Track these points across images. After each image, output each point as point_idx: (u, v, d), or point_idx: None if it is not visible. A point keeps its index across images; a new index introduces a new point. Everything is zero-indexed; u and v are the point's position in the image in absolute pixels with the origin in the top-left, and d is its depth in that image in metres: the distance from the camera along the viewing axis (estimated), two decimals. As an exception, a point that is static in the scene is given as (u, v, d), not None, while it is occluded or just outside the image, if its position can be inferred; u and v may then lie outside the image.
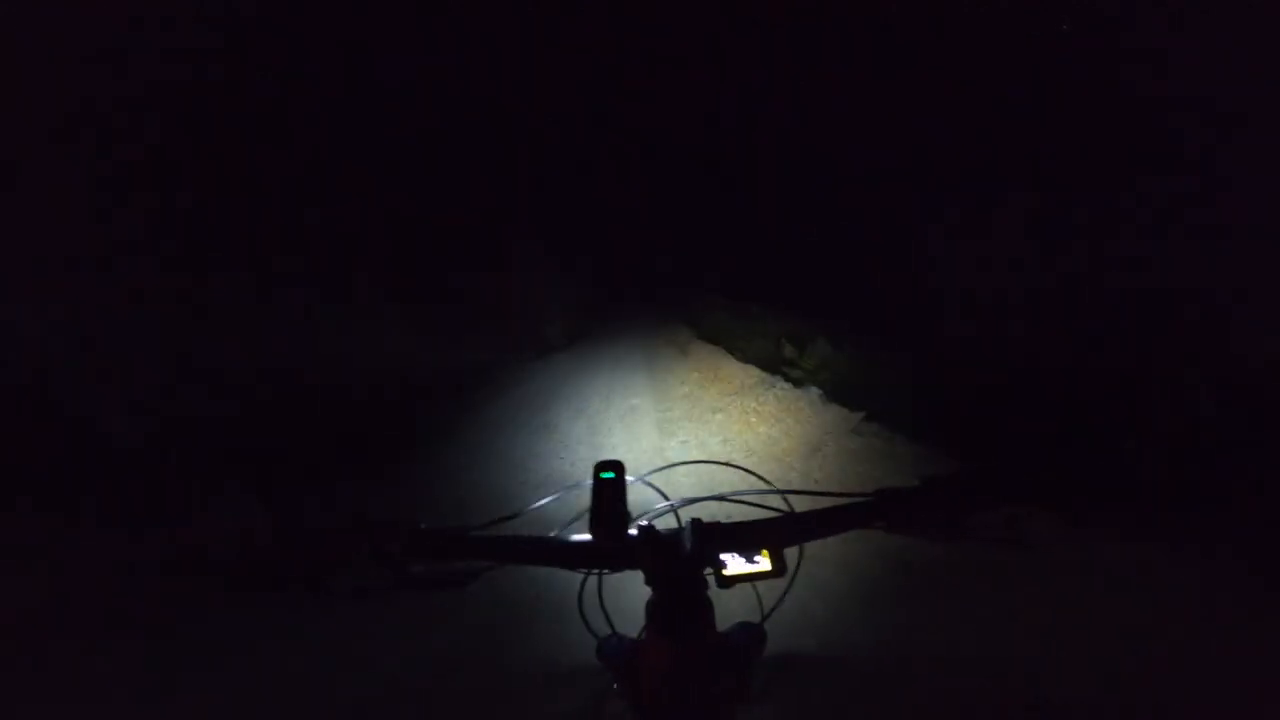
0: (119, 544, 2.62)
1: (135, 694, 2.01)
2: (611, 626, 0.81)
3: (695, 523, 0.72)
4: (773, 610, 0.84)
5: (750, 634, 0.78)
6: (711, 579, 0.72)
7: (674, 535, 0.73)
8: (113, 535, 2.68)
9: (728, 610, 0.82)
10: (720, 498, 0.87)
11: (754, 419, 4.01)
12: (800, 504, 0.79)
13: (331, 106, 5.32)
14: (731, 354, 5.14)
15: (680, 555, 0.70)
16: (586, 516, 0.72)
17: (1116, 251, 3.29)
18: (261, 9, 4.78)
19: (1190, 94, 3.15)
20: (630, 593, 0.77)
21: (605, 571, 0.80)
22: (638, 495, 0.87)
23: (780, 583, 0.75)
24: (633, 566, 0.72)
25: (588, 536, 0.71)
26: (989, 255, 3.83)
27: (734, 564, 0.71)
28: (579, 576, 0.82)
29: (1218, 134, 3.04)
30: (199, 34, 4.39)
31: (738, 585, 0.72)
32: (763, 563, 0.70)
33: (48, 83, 3.69)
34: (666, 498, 0.87)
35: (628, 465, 0.76)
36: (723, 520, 0.73)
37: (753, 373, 4.70)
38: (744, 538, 0.71)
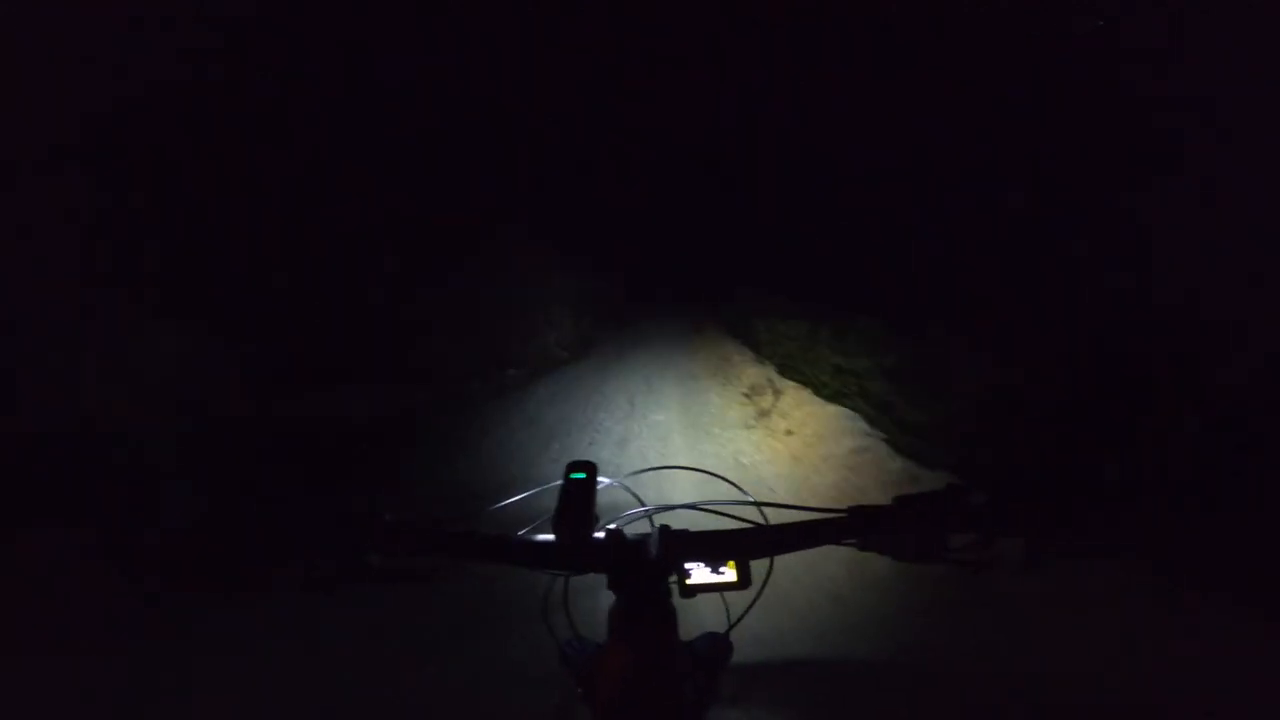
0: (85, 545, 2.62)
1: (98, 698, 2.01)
2: (575, 631, 0.80)
3: (663, 529, 0.71)
4: (738, 621, 0.83)
5: (715, 644, 0.77)
6: (675, 587, 0.71)
7: (640, 540, 0.71)
8: (80, 536, 2.68)
9: (701, 620, 0.81)
10: (694, 506, 0.85)
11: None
12: (776, 517, 0.78)
13: (332, 106, 5.32)
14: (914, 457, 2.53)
15: (645, 561, 0.69)
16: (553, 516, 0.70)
17: (1111, 261, 3.27)
18: (261, 9, 4.79)
19: (1190, 94, 3.13)
20: (602, 597, 0.76)
21: (569, 574, 0.79)
22: (616, 500, 0.86)
23: (748, 594, 0.74)
24: (597, 570, 0.70)
25: (552, 537, 0.70)
26: (986, 258, 3.80)
27: (699, 573, 0.70)
28: (545, 578, 0.81)
29: (1218, 134, 3.01)
30: (199, 34, 4.40)
31: (706, 595, 0.72)
32: (728, 574, 0.70)
33: (48, 83, 3.71)
34: (642, 502, 0.86)
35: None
36: (695, 529, 0.72)
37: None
38: (712, 547, 0.70)
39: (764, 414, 3.24)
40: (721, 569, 0.70)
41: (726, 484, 0.92)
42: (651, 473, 1.07)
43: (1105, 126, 3.63)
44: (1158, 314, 2.93)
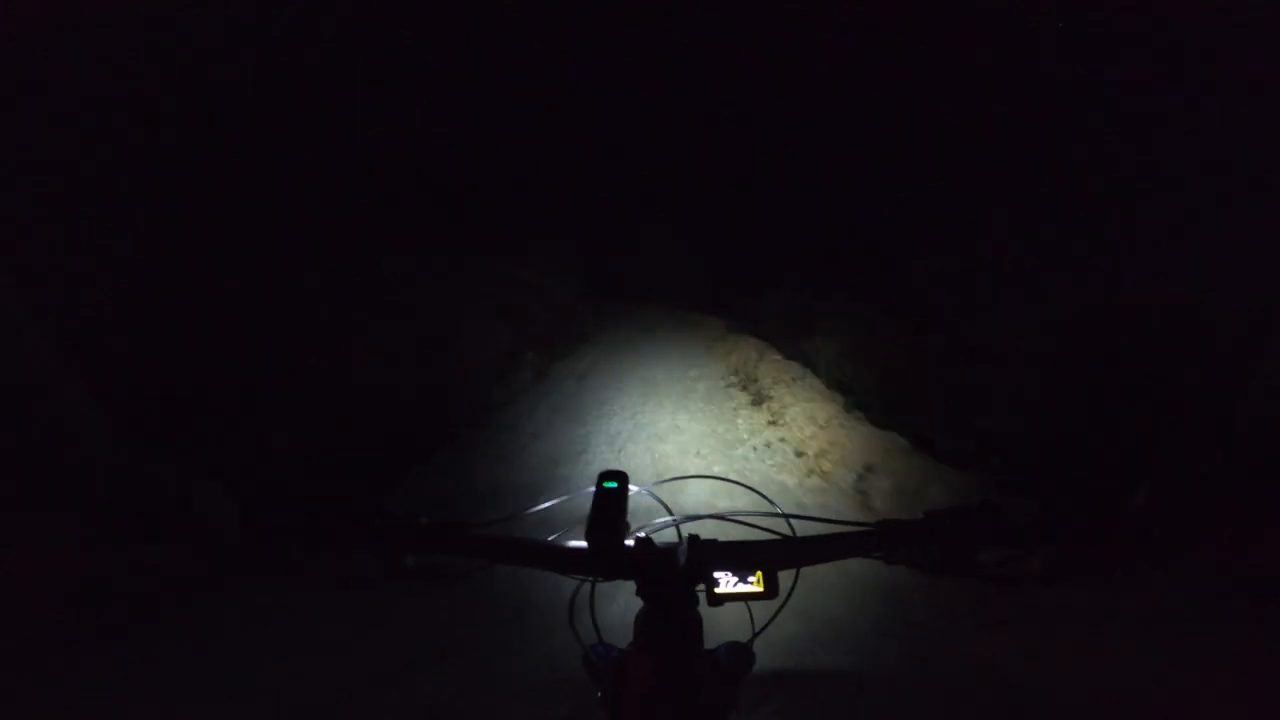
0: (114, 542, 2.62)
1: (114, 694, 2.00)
2: (599, 636, 0.81)
3: (692, 538, 0.72)
4: (761, 631, 0.84)
5: (738, 653, 0.78)
6: (703, 596, 0.72)
7: (670, 549, 0.73)
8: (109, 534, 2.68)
9: (722, 629, 0.82)
10: (723, 516, 0.86)
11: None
12: (802, 528, 0.80)
13: (330, 106, 5.30)
14: None
15: (674, 569, 0.70)
16: (584, 523, 0.72)
17: (1125, 279, 3.28)
18: (262, 9, 4.78)
19: (1192, 108, 3.16)
20: (623, 604, 0.77)
21: (598, 580, 0.80)
22: (642, 508, 0.87)
23: (772, 605, 0.75)
24: (626, 576, 0.72)
25: (584, 543, 0.71)
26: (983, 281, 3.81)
27: (726, 582, 0.71)
28: (571, 583, 0.82)
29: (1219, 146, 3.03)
30: (199, 34, 4.38)
31: (730, 606, 0.73)
32: (755, 584, 0.71)
33: (45, 82, 3.68)
34: (670, 511, 0.87)
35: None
36: (722, 539, 0.73)
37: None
38: (740, 557, 0.72)
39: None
40: (749, 579, 0.71)
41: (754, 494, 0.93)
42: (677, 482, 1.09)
43: (1103, 141, 3.66)
44: (1178, 331, 2.93)
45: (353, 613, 2.21)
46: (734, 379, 3.86)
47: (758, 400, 3.59)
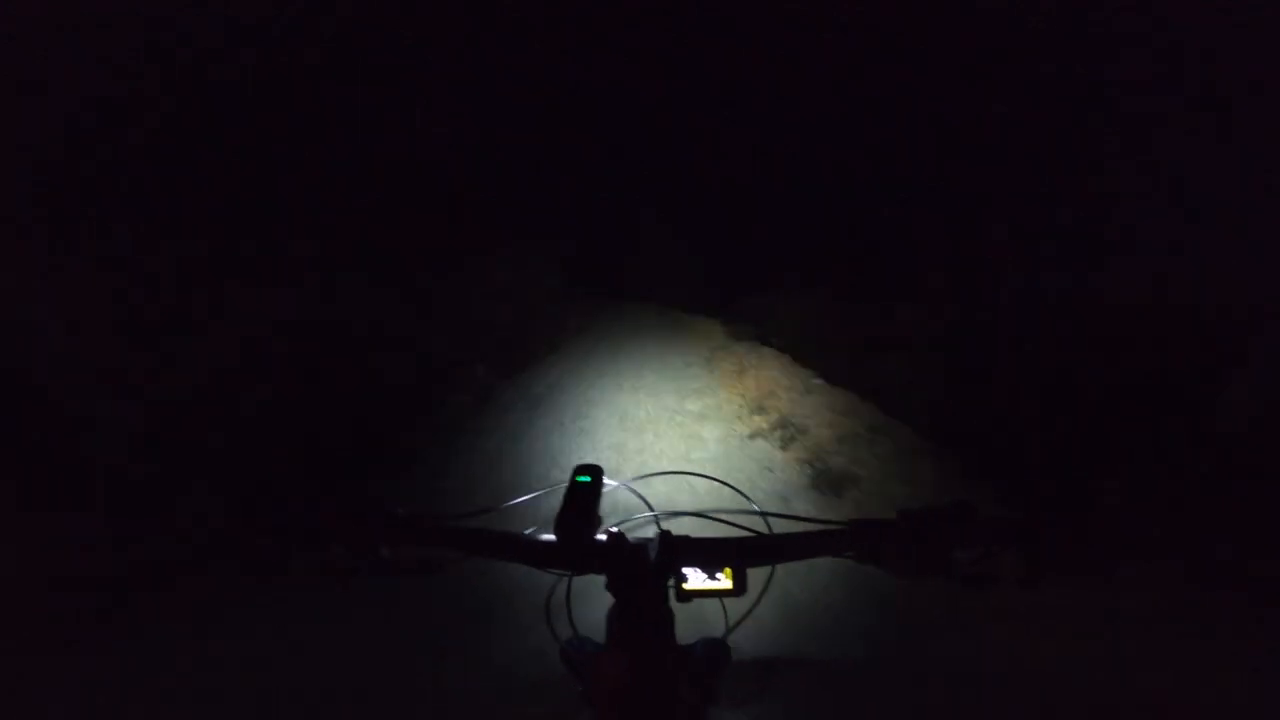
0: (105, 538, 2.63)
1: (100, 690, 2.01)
2: (575, 630, 0.81)
3: (664, 534, 0.72)
4: (735, 626, 0.84)
5: (713, 648, 0.78)
6: (673, 591, 0.72)
7: (642, 544, 0.73)
8: (99, 529, 2.69)
9: (701, 625, 0.82)
10: (700, 513, 0.86)
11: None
12: (779, 526, 0.80)
13: (330, 106, 5.30)
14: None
15: (645, 564, 0.70)
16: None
17: (1103, 282, 3.27)
18: (262, 9, 4.78)
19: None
20: (605, 600, 0.77)
21: (569, 574, 0.80)
22: (624, 502, 0.87)
23: (746, 600, 0.75)
24: (596, 571, 0.72)
25: (554, 537, 0.71)
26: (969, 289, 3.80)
27: (695, 579, 0.71)
28: (550, 578, 0.82)
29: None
30: (199, 34, 4.40)
31: (702, 600, 0.73)
32: (723, 580, 0.71)
33: (45, 80, 3.69)
34: (650, 507, 0.87)
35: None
36: (696, 535, 0.73)
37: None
38: (711, 554, 0.71)
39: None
40: (718, 575, 0.71)
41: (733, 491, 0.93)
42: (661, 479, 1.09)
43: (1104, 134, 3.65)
44: (1160, 329, 2.93)
45: (348, 607, 2.22)
46: (762, 423, 2.60)
47: (832, 482, 2.22)
